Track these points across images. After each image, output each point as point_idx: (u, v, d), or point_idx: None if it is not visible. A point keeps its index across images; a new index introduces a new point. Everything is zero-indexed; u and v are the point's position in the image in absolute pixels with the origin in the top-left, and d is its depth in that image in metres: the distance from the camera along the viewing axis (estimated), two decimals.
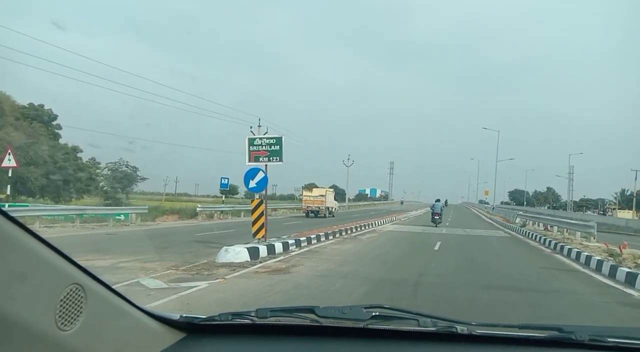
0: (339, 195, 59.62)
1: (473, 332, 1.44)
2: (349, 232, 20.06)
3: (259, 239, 12.07)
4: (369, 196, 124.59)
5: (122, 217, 25.26)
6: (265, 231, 12.24)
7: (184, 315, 1.51)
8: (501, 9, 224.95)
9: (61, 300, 0.98)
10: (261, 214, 12.04)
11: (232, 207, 34.92)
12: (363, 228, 22.89)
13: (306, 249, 13.59)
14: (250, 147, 12.38)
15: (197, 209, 29.97)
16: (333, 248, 14.24)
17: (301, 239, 14.34)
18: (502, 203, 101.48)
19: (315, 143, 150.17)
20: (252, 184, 12.05)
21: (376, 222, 27.43)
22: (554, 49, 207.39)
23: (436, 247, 15.49)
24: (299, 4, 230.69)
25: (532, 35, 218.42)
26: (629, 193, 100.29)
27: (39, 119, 43.19)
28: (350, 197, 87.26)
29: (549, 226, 23.62)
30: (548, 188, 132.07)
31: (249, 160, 12.42)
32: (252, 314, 1.50)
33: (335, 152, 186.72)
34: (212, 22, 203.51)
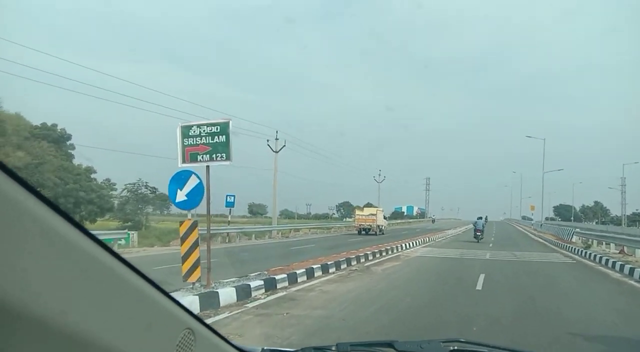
0: None
1: None
2: (363, 260, 15.44)
3: (194, 283, 7.69)
4: (405, 213, 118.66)
5: (123, 241, 21.95)
6: (207, 270, 7.86)
7: (266, 348, 1.59)
8: (540, 20, 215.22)
9: (177, 344, 1.03)
10: (194, 245, 7.65)
11: (241, 228, 30.92)
12: (384, 254, 18.17)
13: (280, 294, 9.02)
14: (185, 140, 8.06)
15: None
16: (324, 290, 9.65)
17: (278, 277, 9.83)
18: (546, 219, 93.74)
19: (350, 161, 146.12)
20: (181, 196, 7.68)
21: (404, 244, 22.59)
22: (598, 58, 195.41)
23: (479, 286, 10.67)
24: (328, 22, 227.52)
25: (573, 46, 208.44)
26: None
27: (49, 139, 40.88)
28: (386, 215, 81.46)
29: (625, 248, 18.25)
30: (596, 202, 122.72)
31: (183, 161, 8.09)
32: (333, 348, 1.55)
33: (371, 170, 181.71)
34: (242, 45, 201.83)
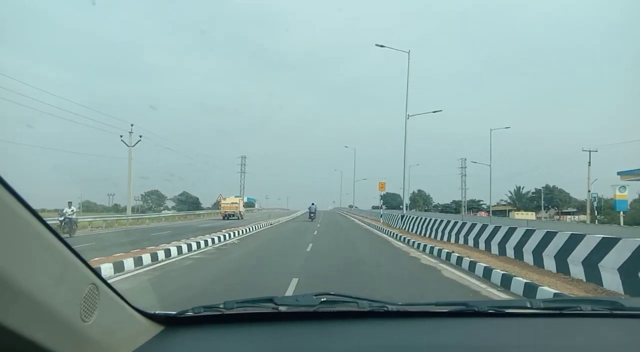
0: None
1: (400, 310, 1.71)
2: None
3: None
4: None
5: None
6: None
7: (158, 312, 1.65)
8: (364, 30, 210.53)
9: (84, 297, 1.14)
10: None
11: None
12: None
13: None
14: None
15: None
16: None
17: None
18: (372, 208, 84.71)
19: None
20: None
21: None
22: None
23: None
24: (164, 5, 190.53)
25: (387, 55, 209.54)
26: (524, 191, 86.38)
27: None
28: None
29: None
30: (419, 190, 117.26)
31: None
32: (221, 306, 1.69)
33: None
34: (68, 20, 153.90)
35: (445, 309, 1.72)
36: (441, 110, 28.82)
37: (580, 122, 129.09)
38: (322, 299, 1.69)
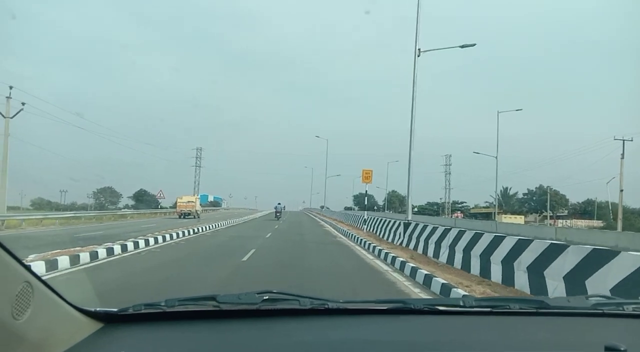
0: None
1: (340, 307, 1.70)
2: None
3: None
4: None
5: None
6: None
7: (99, 309, 1.61)
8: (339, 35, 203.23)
9: (16, 295, 1.13)
10: None
11: None
12: None
13: None
14: None
15: None
16: None
17: None
18: (345, 209, 78.16)
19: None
20: None
21: None
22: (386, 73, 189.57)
23: None
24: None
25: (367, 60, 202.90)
26: (511, 192, 79.76)
27: None
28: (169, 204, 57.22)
29: None
30: (394, 190, 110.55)
31: None
32: (162, 303, 1.64)
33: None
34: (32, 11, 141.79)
35: (383, 307, 1.74)
36: (474, 44, 20.14)
37: (575, 124, 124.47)
38: (265, 297, 1.68)
